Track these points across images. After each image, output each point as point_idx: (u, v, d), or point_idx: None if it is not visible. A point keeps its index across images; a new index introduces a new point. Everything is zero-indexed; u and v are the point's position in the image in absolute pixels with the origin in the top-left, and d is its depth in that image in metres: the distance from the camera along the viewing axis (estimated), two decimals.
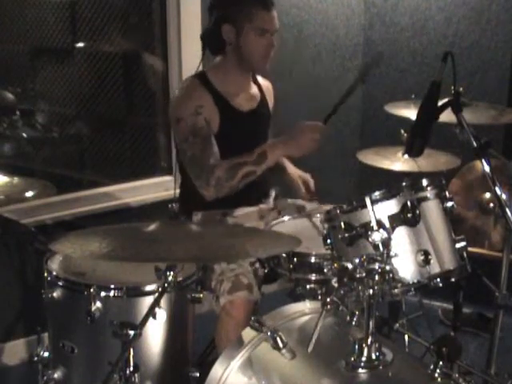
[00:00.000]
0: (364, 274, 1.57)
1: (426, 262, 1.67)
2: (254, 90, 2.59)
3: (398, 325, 2.66)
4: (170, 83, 3.32)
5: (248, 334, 1.73)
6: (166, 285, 1.71)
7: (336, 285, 1.64)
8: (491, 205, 2.48)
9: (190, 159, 2.36)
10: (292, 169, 2.70)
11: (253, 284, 2.19)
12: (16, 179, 2.45)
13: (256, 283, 2.21)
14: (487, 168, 1.83)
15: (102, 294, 1.89)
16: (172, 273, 1.71)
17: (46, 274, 2.02)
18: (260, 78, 2.65)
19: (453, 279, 1.74)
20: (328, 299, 1.62)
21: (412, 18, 3.76)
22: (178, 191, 2.64)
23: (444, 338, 1.65)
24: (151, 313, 1.66)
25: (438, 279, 1.70)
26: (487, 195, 2.49)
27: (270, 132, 2.67)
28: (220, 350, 2.13)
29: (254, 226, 2.44)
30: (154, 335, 1.95)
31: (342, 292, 1.63)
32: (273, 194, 2.67)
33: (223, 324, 2.15)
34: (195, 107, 2.36)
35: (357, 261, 1.60)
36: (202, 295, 2.01)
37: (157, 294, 1.70)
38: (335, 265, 1.67)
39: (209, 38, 2.46)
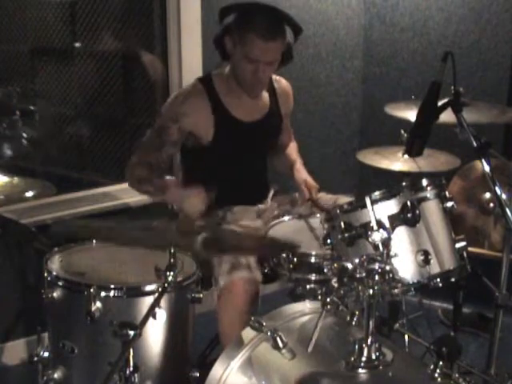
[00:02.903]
0: (364, 274, 1.57)
1: (426, 262, 1.67)
2: (263, 99, 2.55)
3: (397, 325, 2.66)
4: (170, 83, 3.32)
5: (248, 333, 1.73)
6: (165, 285, 1.71)
7: (336, 285, 1.65)
8: (491, 205, 2.48)
9: (144, 141, 2.48)
10: (299, 173, 2.66)
11: (251, 263, 2.18)
12: (16, 179, 2.45)
13: (255, 264, 2.20)
14: (487, 168, 1.83)
15: (102, 294, 1.89)
16: (172, 273, 1.71)
17: (46, 274, 2.02)
18: (276, 79, 2.62)
19: (453, 279, 1.74)
20: (328, 299, 1.62)
21: (412, 18, 3.76)
22: None
23: (444, 338, 1.66)
24: (151, 313, 1.66)
25: (438, 279, 1.70)
26: (487, 195, 2.49)
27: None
28: (222, 332, 2.14)
29: (251, 223, 2.44)
30: (154, 335, 1.95)
31: (341, 292, 1.63)
32: (271, 192, 2.67)
33: (224, 305, 2.15)
34: (178, 113, 2.39)
35: (357, 261, 1.60)
36: (201, 295, 2.01)
37: (157, 294, 1.70)
38: (335, 265, 1.67)
39: (215, 44, 2.45)
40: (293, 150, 2.78)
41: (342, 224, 1.72)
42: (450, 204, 1.77)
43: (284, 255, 2.11)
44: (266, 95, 2.56)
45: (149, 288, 1.93)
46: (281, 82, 2.65)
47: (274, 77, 2.60)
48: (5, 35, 3.49)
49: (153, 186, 2.40)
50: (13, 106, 3.40)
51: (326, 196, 2.59)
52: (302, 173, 2.63)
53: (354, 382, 1.60)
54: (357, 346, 1.60)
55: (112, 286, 1.92)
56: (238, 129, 2.47)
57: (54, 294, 1.99)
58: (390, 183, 1.82)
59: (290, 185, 2.67)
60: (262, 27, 2.28)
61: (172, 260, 1.74)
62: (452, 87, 1.91)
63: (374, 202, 1.69)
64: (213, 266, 2.24)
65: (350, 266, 1.62)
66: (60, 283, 1.98)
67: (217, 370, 1.70)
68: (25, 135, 3.51)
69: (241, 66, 2.36)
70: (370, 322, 1.59)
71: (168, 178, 2.45)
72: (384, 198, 1.70)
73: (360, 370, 1.59)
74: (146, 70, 3.48)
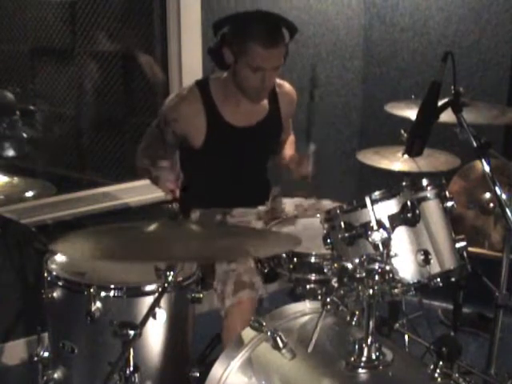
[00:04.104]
0: (364, 274, 1.57)
1: (426, 261, 1.67)
2: (262, 104, 2.54)
3: (397, 325, 2.66)
4: (170, 83, 3.32)
5: (248, 333, 1.72)
6: (166, 285, 1.71)
7: (336, 285, 1.64)
8: (491, 205, 2.48)
9: (148, 133, 2.58)
10: (287, 154, 2.71)
11: (255, 281, 2.19)
12: (16, 179, 2.44)
13: (259, 279, 2.21)
14: (487, 168, 1.83)
15: (102, 294, 1.89)
16: (172, 273, 1.71)
17: (46, 274, 2.02)
18: (279, 84, 2.61)
19: (453, 279, 1.74)
20: (328, 299, 1.62)
21: (412, 18, 3.76)
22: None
23: (444, 338, 1.65)
24: (151, 313, 1.66)
25: (438, 279, 1.70)
26: (487, 195, 2.50)
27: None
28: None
29: (252, 225, 2.45)
30: (154, 335, 1.95)
31: (341, 292, 1.63)
32: (273, 194, 2.67)
33: (231, 325, 2.16)
34: (172, 118, 2.43)
35: (357, 261, 1.60)
36: (201, 295, 2.01)
37: (157, 294, 1.70)
38: (335, 265, 1.67)
39: (212, 55, 2.45)
40: (288, 145, 2.78)
41: (342, 224, 1.72)
42: (450, 204, 1.76)
43: (284, 255, 2.11)
44: (265, 100, 2.56)
45: (149, 288, 1.92)
46: (284, 87, 2.64)
47: (278, 81, 2.59)
48: (5, 35, 3.49)
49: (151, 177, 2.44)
50: (13, 106, 3.40)
51: (332, 204, 2.58)
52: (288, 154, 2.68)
53: (353, 382, 1.60)
54: (357, 346, 1.60)
55: (112, 286, 1.92)
56: (229, 133, 2.48)
57: (54, 294, 1.98)
58: (390, 183, 1.82)
59: (291, 188, 2.67)
60: (262, 35, 2.28)
61: None
62: (452, 87, 1.91)
63: (373, 202, 1.69)
64: (215, 283, 2.25)
65: (349, 265, 1.62)
66: (60, 283, 1.98)
67: (217, 369, 1.70)
68: (25, 135, 3.51)
69: (245, 75, 2.35)
70: (370, 322, 1.59)
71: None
72: (384, 197, 1.70)
73: (360, 370, 1.59)
74: (143, 71, 3.49)
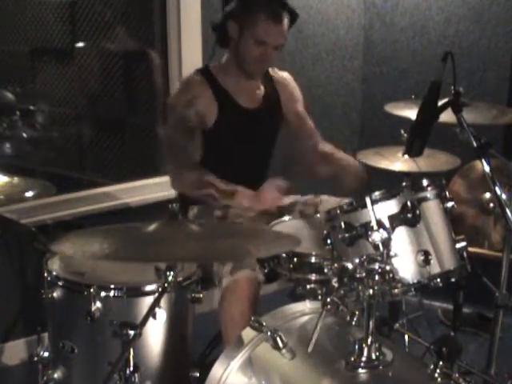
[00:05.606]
0: (364, 274, 1.57)
1: (426, 262, 1.67)
2: (260, 88, 2.57)
3: (397, 325, 2.66)
4: (171, 83, 3.32)
5: (248, 333, 1.73)
6: (166, 285, 1.71)
7: (336, 285, 1.65)
8: (491, 205, 2.48)
9: (169, 145, 2.51)
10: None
11: (254, 263, 2.18)
12: (16, 179, 2.44)
13: (257, 265, 2.19)
14: (487, 168, 1.83)
15: (102, 294, 1.89)
16: (172, 273, 1.71)
17: (46, 274, 2.02)
18: (274, 71, 2.63)
19: (453, 279, 1.74)
20: (328, 299, 1.62)
21: (412, 18, 3.76)
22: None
23: (444, 338, 1.65)
24: (151, 313, 1.66)
25: (438, 279, 1.70)
26: (487, 195, 2.50)
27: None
28: (225, 331, 2.14)
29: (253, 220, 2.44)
30: (154, 335, 1.95)
31: (341, 292, 1.63)
32: None
33: (227, 304, 2.14)
34: (189, 99, 2.42)
35: (357, 261, 1.60)
36: (201, 295, 2.01)
37: (157, 294, 1.70)
38: (335, 265, 1.67)
39: (216, 29, 2.48)
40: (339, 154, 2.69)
41: (342, 224, 1.72)
42: (450, 204, 1.76)
43: (284, 255, 2.11)
44: (261, 86, 2.58)
45: (149, 288, 1.93)
46: (278, 73, 2.67)
47: (271, 69, 2.62)
48: (5, 35, 3.49)
49: (218, 190, 2.28)
50: (13, 106, 3.40)
51: (330, 199, 2.58)
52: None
53: (353, 382, 1.60)
54: (357, 346, 1.60)
55: (112, 286, 1.92)
56: (240, 114, 2.50)
57: (54, 294, 1.99)
58: (391, 183, 1.82)
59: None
60: (271, 9, 2.34)
61: None
62: (452, 87, 1.91)
63: (374, 202, 1.69)
64: (214, 267, 2.24)
65: (350, 265, 1.62)
66: (60, 283, 1.98)
67: (217, 369, 1.70)
68: (25, 135, 3.51)
69: (247, 46, 2.38)
70: (370, 322, 1.59)
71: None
72: (384, 197, 1.70)
73: (360, 370, 1.59)
74: (153, 69, 3.49)
